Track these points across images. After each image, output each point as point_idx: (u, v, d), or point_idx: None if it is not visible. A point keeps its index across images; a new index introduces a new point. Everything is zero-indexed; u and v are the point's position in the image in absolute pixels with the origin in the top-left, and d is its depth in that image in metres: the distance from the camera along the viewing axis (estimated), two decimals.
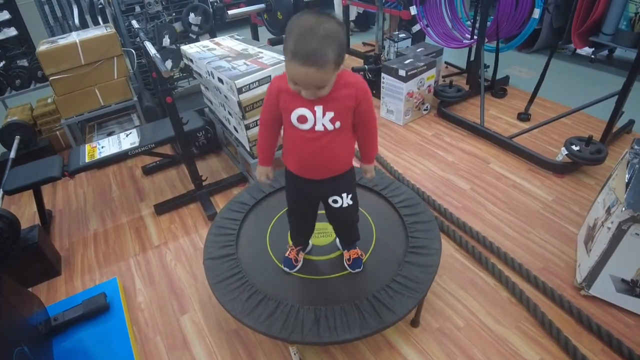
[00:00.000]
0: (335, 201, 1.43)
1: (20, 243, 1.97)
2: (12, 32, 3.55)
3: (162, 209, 2.41)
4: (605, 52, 3.96)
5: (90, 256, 2.20)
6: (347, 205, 1.44)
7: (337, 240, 1.73)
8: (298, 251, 1.67)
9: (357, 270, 1.62)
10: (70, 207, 2.62)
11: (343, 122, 1.24)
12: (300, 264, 1.66)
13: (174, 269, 2.04)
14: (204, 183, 2.47)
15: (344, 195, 1.42)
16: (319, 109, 1.20)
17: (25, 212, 2.63)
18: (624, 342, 1.50)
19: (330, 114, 1.21)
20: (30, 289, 2.04)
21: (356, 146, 1.41)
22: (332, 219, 1.57)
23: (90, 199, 2.67)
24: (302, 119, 1.22)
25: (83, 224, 2.45)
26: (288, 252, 1.67)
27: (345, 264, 1.65)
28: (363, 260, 1.65)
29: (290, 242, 1.72)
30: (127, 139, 2.33)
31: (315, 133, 1.24)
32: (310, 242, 1.74)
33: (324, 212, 1.58)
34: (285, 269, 1.65)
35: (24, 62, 3.54)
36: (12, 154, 2.57)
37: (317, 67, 1.04)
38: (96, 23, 3.36)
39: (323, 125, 1.22)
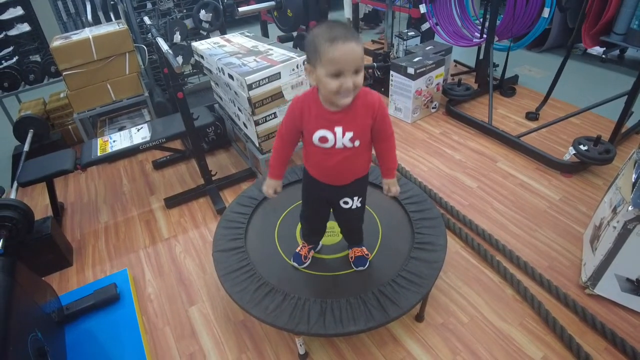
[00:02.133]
0: (346, 202, 1.46)
1: (34, 234, 2.02)
2: (25, 27, 3.61)
3: (172, 202, 2.45)
4: (617, 52, 3.93)
5: (101, 248, 2.25)
6: (355, 207, 1.47)
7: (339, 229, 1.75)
8: (309, 249, 1.70)
9: (360, 268, 1.64)
10: (81, 199, 2.67)
11: (362, 140, 1.28)
12: (308, 262, 1.69)
13: (183, 261, 2.08)
14: (213, 178, 2.50)
15: (355, 198, 1.46)
16: (339, 130, 1.24)
17: (38, 204, 2.68)
18: (628, 341, 1.51)
19: (349, 134, 1.25)
20: (43, 279, 2.09)
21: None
22: (339, 219, 1.60)
23: (101, 192, 2.72)
24: (323, 139, 1.27)
25: (94, 216, 2.50)
26: (299, 248, 1.70)
27: (350, 261, 1.67)
28: (369, 259, 1.67)
29: (299, 240, 1.74)
30: (138, 134, 2.37)
31: (336, 150, 1.29)
32: (320, 242, 1.76)
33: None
34: (294, 264, 1.67)
35: (36, 58, 3.60)
36: (26, 147, 2.63)
37: (356, 41, 1.10)
38: (108, 19, 3.40)
39: (343, 144, 1.27)
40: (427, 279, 1.53)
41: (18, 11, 3.58)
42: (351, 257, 1.67)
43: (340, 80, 1.12)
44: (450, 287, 1.80)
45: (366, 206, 1.85)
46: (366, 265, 1.65)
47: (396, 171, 2.31)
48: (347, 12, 5.43)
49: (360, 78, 1.15)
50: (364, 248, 1.69)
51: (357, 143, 1.27)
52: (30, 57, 3.63)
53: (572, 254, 1.92)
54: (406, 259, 1.62)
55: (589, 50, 3.99)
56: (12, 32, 3.59)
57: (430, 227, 1.74)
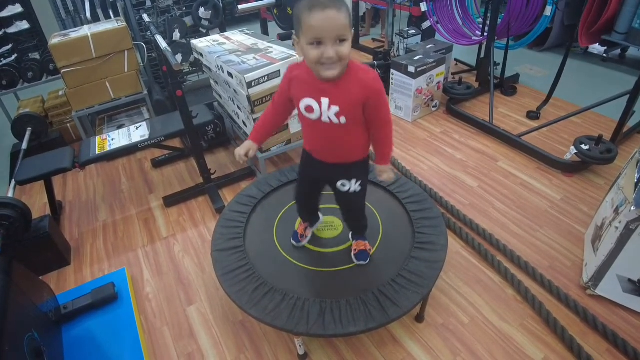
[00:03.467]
0: (343, 185, 1.43)
1: (31, 232, 2.00)
2: (24, 25, 3.59)
3: (170, 201, 2.43)
4: (618, 51, 3.92)
5: (99, 246, 2.23)
6: (354, 191, 1.43)
7: (342, 220, 1.75)
8: (306, 227, 1.70)
9: (361, 262, 1.63)
10: (80, 198, 2.65)
11: (349, 118, 1.24)
12: (305, 241, 1.70)
13: (181, 261, 2.06)
14: (212, 176, 2.49)
15: (353, 180, 1.41)
16: (325, 101, 1.21)
17: (37, 202, 2.67)
18: (629, 343, 1.50)
19: (335, 108, 1.21)
20: (40, 278, 2.07)
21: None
22: (339, 202, 1.58)
23: (100, 190, 2.70)
24: (309, 109, 1.25)
25: (92, 215, 2.48)
26: (297, 226, 1.71)
27: (352, 254, 1.66)
28: (370, 249, 1.67)
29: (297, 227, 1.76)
30: (137, 132, 2.36)
31: (323, 124, 1.26)
32: (320, 216, 1.76)
33: (330, 206, 1.59)
34: (292, 241, 1.70)
35: (35, 55, 3.58)
36: (24, 145, 2.62)
37: (336, 9, 1.07)
38: (107, 17, 3.38)
39: (329, 117, 1.24)
40: (428, 279, 1.52)
41: (17, 8, 3.57)
42: (354, 250, 1.66)
43: (320, 49, 1.10)
44: (451, 288, 1.78)
45: (368, 204, 1.85)
46: (367, 260, 1.64)
47: (396, 170, 2.30)
48: None
49: (345, 48, 1.11)
50: (367, 242, 1.68)
51: (342, 120, 1.23)
52: (30, 54, 3.62)
53: (574, 254, 1.91)
54: (407, 259, 1.61)
55: (590, 49, 3.98)
56: (11, 30, 3.57)
57: (430, 227, 1.73)
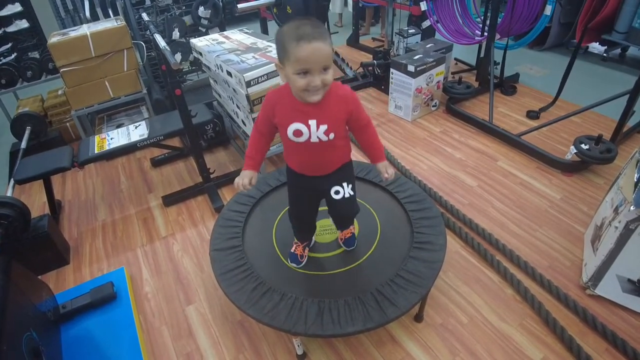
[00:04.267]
0: (337, 192, 1.42)
1: (30, 232, 2.00)
2: (23, 24, 3.59)
3: (170, 200, 2.43)
4: (618, 50, 3.91)
5: (98, 246, 2.23)
6: (348, 195, 1.44)
7: (331, 220, 1.72)
8: (304, 247, 1.68)
9: (351, 247, 1.68)
10: (79, 197, 2.65)
11: (337, 133, 1.28)
12: (305, 260, 1.67)
13: (180, 260, 2.06)
14: (211, 176, 2.48)
15: (345, 184, 1.42)
16: (313, 123, 1.24)
17: (36, 201, 2.66)
18: (629, 342, 1.49)
19: (323, 127, 1.25)
20: (39, 277, 2.07)
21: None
22: (334, 212, 1.57)
23: (99, 189, 2.70)
24: (298, 133, 1.27)
25: (92, 214, 2.48)
26: (294, 248, 1.68)
27: (339, 242, 1.70)
28: (368, 247, 1.69)
29: (295, 239, 1.72)
30: (136, 131, 2.35)
31: (311, 144, 1.29)
32: (313, 238, 1.75)
33: (326, 208, 1.59)
34: (292, 264, 1.66)
35: (35, 54, 3.58)
36: (23, 145, 2.61)
37: (323, 41, 1.10)
38: (107, 15, 3.38)
39: (318, 137, 1.27)
40: (426, 279, 1.51)
41: (16, 7, 3.56)
42: (341, 239, 1.71)
43: (307, 79, 1.14)
44: (450, 287, 1.78)
45: (366, 205, 1.85)
46: (355, 243, 1.69)
47: (396, 169, 2.29)
48: (337, 8, 5.41)
49: (329, 76, 1.16)
50: (350, 227, 1.70)
51: (331, 136, 1.27)
52: (29, 53, 3.61)
53: (573, 254, 1.91)
54: (405, 259, 1.61)
55: (591, 49, 3.98)
56: (11, 29, 3.57)
57: (429, 227, 1.73)
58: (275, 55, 2.24)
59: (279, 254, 1.71)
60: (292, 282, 1.57)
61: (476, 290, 1.76)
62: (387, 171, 1.40)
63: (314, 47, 1.09)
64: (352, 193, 1.45)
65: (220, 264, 1.64)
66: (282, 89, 1.28)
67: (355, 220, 1.72)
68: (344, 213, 1.55)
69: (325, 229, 1.80)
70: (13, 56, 3.45)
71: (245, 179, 1.37)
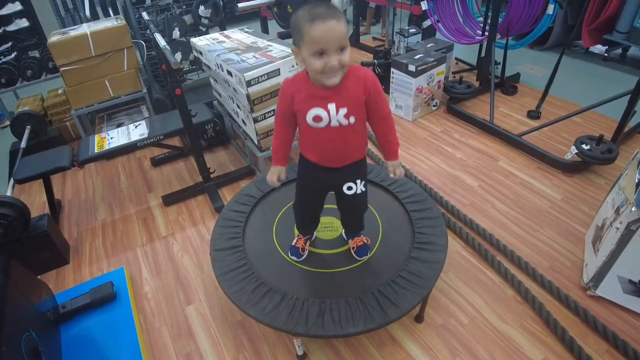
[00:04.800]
0: (350, 188, 1.43)
1: (30, 231, 2.00)
2: (23, 23, 3.59)
3: (170, 200, 2.43)
4: (619, 50, 3.90)
5: (98, 245, 2.23)
6: (360, 191, 1.44)
7: (343, 231, 1.73)
8: (306, 240, 1.68)
9: (363, 257, 1.64)
10: (79, 197, 2.65)
11: (357, 116, 1.26)
12: (306, 254, 1.67)
13: (180, 260, 2.06)
14: (211, 175, 2.48)
15: (358, 181, 1.43)
16: (332, 107, 1.22)
17: (36, 201, 2.66)
18: (630, 344, 1.49)
19: (343, 110, 1.23)
20: (39, 277, 2.07)
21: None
22: (344, 207, 1.57)
23: (99, 189, 2.69)
24: (317, 118, 1.25)
25: (91, 213, 2.48)
26: (295, 241, 1.68)
27: (352, 252, 1.66)
28: (370, 248, 1.67)
29: (297, 232, 1.72)
30: (136, 130, 2.35)
31: (331, 129, 1.26)
32: (314, 233, 1.74)
33: (329, 206, 1.58)
34: (293, 257, 1.66)
35: (35, 53, 3.58)
36: (23, 144, 2.60)
37: (337, 19, 1.09)
38: (107, 15, 3.37)
39: (338, 121, 1.25)
40: (428, 280, 1.51)
41: (16, 6, 3.56)
42: (353, 248, 1.67)
43: (324, 59, 1.12)
44: (451, 288, 1.78)
45: (368, 205, 1.84)
46: (368, 254, 1.65)
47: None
48: (336, 2, 5.42)
49: (345, 56, 1.14)
50: (362, 237, 1.68)
51: (352, 119, 1.25)
52: (29, 52, 3.61)
53: (574, 255, 1.90)
54: (406, 259, 1.60)
55: (592, 49, 3.96)
56: (11, 28, 3.57)
57: (430, 227, 1.72)
58: (276, 55, 2.25)
59: (281, 253, 1.71)
60: (293, 283, 1.57)
61: (477, 291, 1.76)
62: (396, 171, 1.40)
63: (328, 26, 1.08)
64: (364, 189, 1.46)
65: (221, 264, 1.63)
66: (298, 76, 1.26)
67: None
68: (353, 208, 1.55)
69: (327, 225, 1.79)
70: (13, 55, 3.45)
71: (273, 175, 1.39)
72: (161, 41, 2.07)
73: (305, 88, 1.24)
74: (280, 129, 1.38)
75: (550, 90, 2.91)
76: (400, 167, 1.41)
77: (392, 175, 1.42)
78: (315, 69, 1.14)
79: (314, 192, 1.52)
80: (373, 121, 1.33)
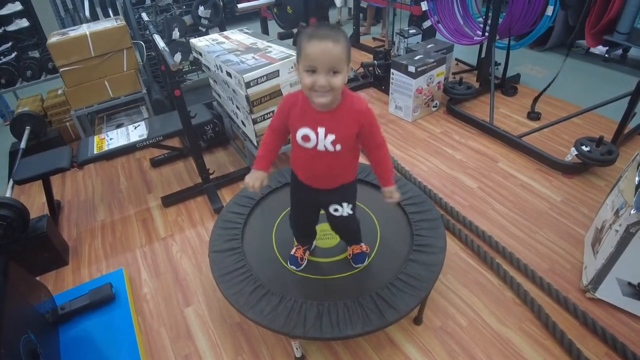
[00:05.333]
0: (336, 210, 1.45)
1: (29, 232, 2.00)
2: (24, 23, 3.59)
3: (169, 201, 2.43)
4: (620, 51, 3.89)
5: (97, 246, 2.23)
6: (347, 214, 1.46)
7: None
8: (304, 250, 1.68)
9: (359, 265, 1.64)
10: (79, 197, 2.65)
11: (344, 145, 1.27)
12: (305, 263, 1.67)
13: (179, 261, 2.06)
14: (211, 176, 2.48)
15: (345, 204, 1.44)
16: (321, 131, 1.24)
17: (35, 201, 2.66)
18: (629, 347, 1.49)
19: (331, 137, 1.24)
20: (38, 278, 2.07)
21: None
22: (333, 225, 1.58)
23: (98, 190, 2.70)
24: (306, 138, 1.27)
25: (91, 214, 2.48)
26: (294, 251, 1.67)
27: (349, 258, 1.66)
28: (368, 256, 1.66)
29: (296, 242, 1.71)
30: (135, 131, 2.35)
31: (318, 152, 1.28)
32: (313, 243, 1.75)
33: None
34: (292, 266, 1.65)
35: (35, 54, 3.58)
36: (23, 145, 2.60)
37: (333, 41, 1.10)
38: (107, 15, 3.37)
39: (325, 146, 1.26)
40: (426, 282, 1.51)
41: (17, 6, 3.56)
42: (349, 255, 1.67)
43: (314, 77, 1.13)
44: (449, 290, 1.77)
45: (364, 207, 1.84)
46: (365, 262, 1.64)
47: (395, 171, 2.28)
48: (338, 2, 5.44)
49: (337, 80, 1.14)
50: (362, 245, 1.67)
51: (338, 147, 1.26)
52: (29, 52, 3.61)
53: (573, 257, 1.90)
54: (405, 262, 1.60)
55: (592, 50, 3.96)
56: (11, 28, 3.57)
57: (429, 229, 1.72)
58: (275, 56, 2.25)
59: (279, 256, 1.70)
60: (291, 285, 1.57)
61: (476, 293, 1.76)
62: (393, 196, 1.39)
63: (323, 46, 1.09)
64: (350, 213, 1.47)
65: (220, 266, 1.63)
66: (299, 93, 1.28)
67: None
68: (340, 227, 1.58)
69: (326, 233, 1.79)
70: (13, 55, 3.45)
71: (255, 181, 1.36)
72: (160, 43, 2.07)
73: (302, 106, 1.26)
74: (271, 139, 1.39)
75: (550, 91, 2.91)
76: (395, 192, 1.40)
77: (388, 201, 1.41)
78: (305, 85, 1.16)
79: (304, 207, 1.54)
80: (367, 150, 1.35)
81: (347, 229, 1.59)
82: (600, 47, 3.89)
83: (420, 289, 1.49)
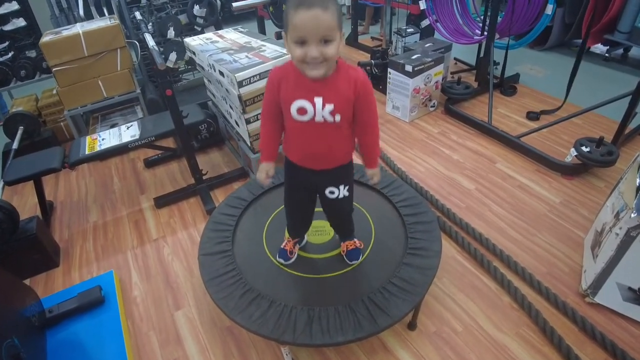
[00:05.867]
0: (332, 192, 1.40)
1: (19, 234, 1.96)
2: (21, 22, 3.57)
3: (161, 202, 2.39)
4: (620, 50, 3.85)
5: (88, 248, 2.19)
6: (343, 196, 1.41)
7: (335, 233, 1.70)
8: (294, 243, 1.65)
9: (354, 261, 1.61)
10: (71, 198, 2.62)
11: (343, 115, 1.21)
12: (294, 257, 1.64)
13: (170, 264, 2.02)
14: (204, 177, 2.44)
15: (341, 186, 1.39)
16: (318, 101, 1.18)
17: (28, 202, 2.63)
18: (629, 353, 1.44)
19: (329, 106, 1.18)
20: (28, 280, 2.04)
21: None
22: (327, 209, 1.54)
23: (91, 190, 2.66)
24: (302, 110, 1.20)
25: (83, 215, 2.44)
26: (284, 244, 1.65)
27: (343, 255, 1.63)
28: (362, 252, 1.63)
29: (287, 235, 1.68)
30: (127, 132, 2.32)
31: (315, 125, 1.21)
32: (305, 237, 1.71)
33: (321, 210, 1.54)
34: (280, 260, 1.63)
35: (32, 53, 3.56)
36: (15, 145, 2.58)
37: (322, 8, 1.03)
38: (101, 14, 3.34)
39: (323, 117, 1.20)
40: (420, 287, 1.47)
41: (13, 6, 3.55)
42: (343, 251, 1.63)
43: (304, 49, 1.07)
44: (445, 294, 1.73)
45: (360, 208, 1.80)
46: (360, 258, 1.61)
47: (392, 172, 2.25)
48: None
49: (330, 49, 1.08)
50: (355, 240, 1.64)
51: (337, 118, 1.20)
52: (26, 52, 3.59)
53: (572, 260, 1.86)
54: (398, 265, 1.56)
55: (592, 49, 3.91)
56: (8, 27, 3.56)
57: (424, 232, 1.68)
58: (269, 55, 2.21)
59: (270, 256, 1.67)
60: (281, 289, 1.53)
61: (472, 298, 1.71)
62: (374, 178, 1.37)
63: (312, 14, 1.02)
64: (347, 194, 1.42)
65: (209, 269, 1.60)
66: (288, 65, 1.21)
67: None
68: (336, 210, 1.52)
69: (319, 229, 1.76)
70: (10, 55, 3.43)
71: (261, 173, 1.35)
72: (150, 41, 2.04)
73: (294, 77, 1.19)
74: (267, 124, 1.34)
75: (550, 91, 2.87)
76: (378, 174, 1.37)
77: (370, 182, 1.39)
78: (296, 58, 1.10)
79: (299, 193, 1.48)
80: (359, 127, 1.29)
81: (342, 213, 1.54)
82: (600, 46, 3.85)
83: (414, 294, 1.45)
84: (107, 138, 2.30)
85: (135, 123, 2.39)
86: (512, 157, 2.54)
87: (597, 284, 1.61)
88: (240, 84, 2.05)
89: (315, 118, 1.20)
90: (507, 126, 2.84)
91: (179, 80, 3.50)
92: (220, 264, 1.62)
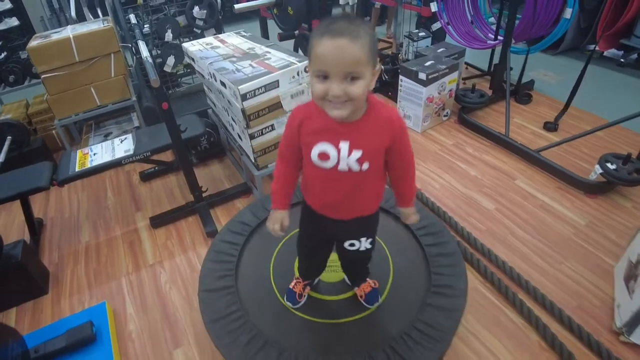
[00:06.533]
0: (352, 245, 1.24)
1: (3, 261, 1.81)
2: (14, 22, 3.40)
3: (158, 222, 2.23)
4: (635, 56, 3.69)
5: (80, 273, 2.04)
6: (364, 249, 1.25)
7: (345, 277, 1.54)
8: (305, 285, 1.49)
9: (375, 304, 1.46)
10: (62, 215, 2.45)
11: (372, 163, 1.04)
12: (304, 300, 1.48)
13: (168, 293, 1.87)
14: (204, 194, 2.28)
15: (363, 239, 1.23)
16: (344, 146, 1.00)
17: (16, 219, 2.46)
18: None
19: (357, 153, 1.01)
20: (14, 309, 1.89)
21: None
22: (343, 259, 1.39)
23: (84, 206, 2.50)
24: (324, 156, 1.03)
25: (75, 234, 2.28)
26: (293, 284, 1.49)
27: (360, 300, 1.47)
28: (380, 293, 1.48)
29: (297, 273, 1.52)
30: (121, 146, 2.15)
31: (338, 173, 1.04)
32: (318, 278, 1.55)
33: None
34: (288, 303, 1.47)
35: (25, 54, 3.38)
36: (1, 158, 2.40)
37: (351, 38, 0.86)
38: (95, 16, 3.16)
39: (348, 165, 1.02)
40: (446, 332, 1.33)
41: (6, 4, 3.38)
42: (361, 296, 1.48)
43: (326, 85, 0.90)
44: (469, 332, 1.58)
45: (377, 238, 1.65)
46: (379, 299, 1.46)
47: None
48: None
49: (356, 88, 0.89)
50: (369, 281, 1.49)
51: (365, 166, 1.03)
52: (20, 52, 3.41)
53: (603, 291, 1.71)
54: (421, 306, 1.42)
55: (606, 54, 3.76)
56: (0, 27, 3.38)
57: (448, 266, 1.53)
58: (275, 64, 2.05)
59: (278, 295, 1.52)
60: (292, 334, 1.38)
61: (498, 336, 1.57)
62: (410, 218, 1.20)
63: (337, 44, 0.85)
64: (369, 247, 1.25)
65: (211, 309, 1.45)
66: (311, 104, 1.04)
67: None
68: (351, 263, 1.38)
69: (331, 265, 1.59)
70: (3, 55, 3.25)
71: (275, 224, 1.16)
72: (144, 51, 1.87)
73: (318, 118, 1.02)
74: (283, 166, 1.16)
75: (565, 98, 2.71)
76: (415, 214, 1.21)
77: (405, 222, 1.22)
78: (316, 94, 0.93)
79: (315, 241, 1.32)
80: (392, 167, 1.11)
81: (360, 264, 1.39)
82: (615, 51, 3.69)
83: (439, 341, 1.31)
84: (99, 153, 2.14)
85: (129, 136, 2.23)
86: (532, 173, 2.39)
87: (634, 322, 1.47)
88: (244, 97, 1.88)
89: (339, 166, 1.03)
90: (524, 137, 2.68)
91: (178, 86, 3.33)
92: (222, 303, 1.47)
